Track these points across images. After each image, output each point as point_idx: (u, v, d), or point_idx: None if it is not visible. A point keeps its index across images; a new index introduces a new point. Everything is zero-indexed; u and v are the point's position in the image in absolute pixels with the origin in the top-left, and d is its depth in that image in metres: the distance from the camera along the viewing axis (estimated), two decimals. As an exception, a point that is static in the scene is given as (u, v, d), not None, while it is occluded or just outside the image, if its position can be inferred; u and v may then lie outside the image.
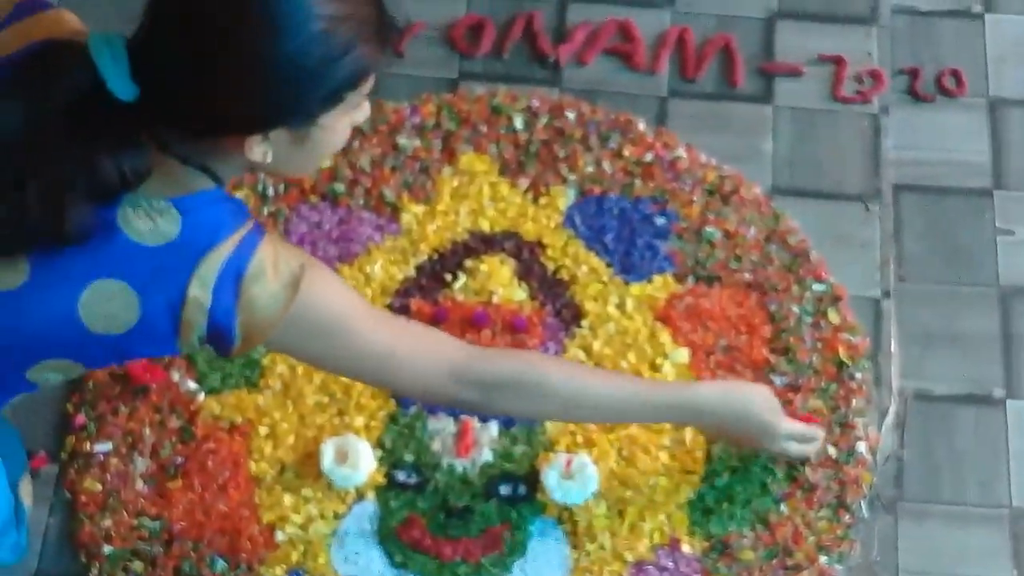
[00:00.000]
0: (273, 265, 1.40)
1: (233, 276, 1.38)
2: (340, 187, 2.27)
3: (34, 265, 1.36)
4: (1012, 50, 2.47)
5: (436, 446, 2.07)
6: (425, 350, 1.64)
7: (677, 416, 1.95)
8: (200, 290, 1.37)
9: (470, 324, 2.15)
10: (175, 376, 2.13)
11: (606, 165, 2.29)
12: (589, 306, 2.18)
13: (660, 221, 2.24)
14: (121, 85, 1.27)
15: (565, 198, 2.26)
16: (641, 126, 2.33)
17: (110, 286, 1.36)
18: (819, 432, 2.01)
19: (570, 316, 2.18)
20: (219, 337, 1.41)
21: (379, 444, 2.07)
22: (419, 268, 2.22)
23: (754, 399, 1.92)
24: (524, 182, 2.28)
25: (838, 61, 2.42)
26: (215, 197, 1.39)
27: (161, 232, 1.35)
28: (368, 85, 1.35)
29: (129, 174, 1.31)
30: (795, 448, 1.99)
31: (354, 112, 1.39)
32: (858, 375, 2.13)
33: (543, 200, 2.26)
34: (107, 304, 1.37)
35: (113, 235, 1.34)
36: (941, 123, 2.38)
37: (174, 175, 1.35)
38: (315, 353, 1.58)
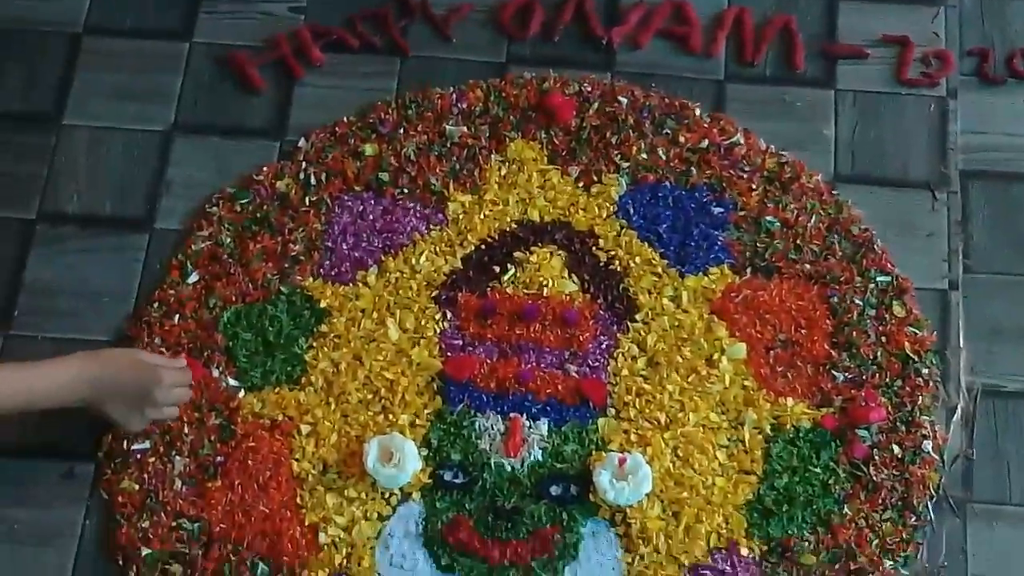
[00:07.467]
0: None
1: None
2: (384, 176, 2.29)
3: None
4: (1088, 30, 2.48)
5: (484, 444, 2.08)
6: None
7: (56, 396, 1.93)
8: None
9: (519, 317, 2.17)
10: (215, 372, 2.16)
11: (660, 152, 2.30)
12: (643, 299, 2.18)
13: (717, 210, 2.26)
14: None
15: (617, 187, 2.27)
16: (697, 111, 2.35)
17: None
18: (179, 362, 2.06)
19: (623, 309, 2.19)
20: None
21: (425, 442, 2.08)
22: (466, 260, 2.23)
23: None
24: (575, 170, 2.29)
25: (903, 42, 2.43)
26: None
27: None
28: None
29: None
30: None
31: None
32: (924, 371, 2.14)
33: (595, 189, 2.28)
34: None
35: None
36: (1012, 107, 2.38)
37: None
38: None
